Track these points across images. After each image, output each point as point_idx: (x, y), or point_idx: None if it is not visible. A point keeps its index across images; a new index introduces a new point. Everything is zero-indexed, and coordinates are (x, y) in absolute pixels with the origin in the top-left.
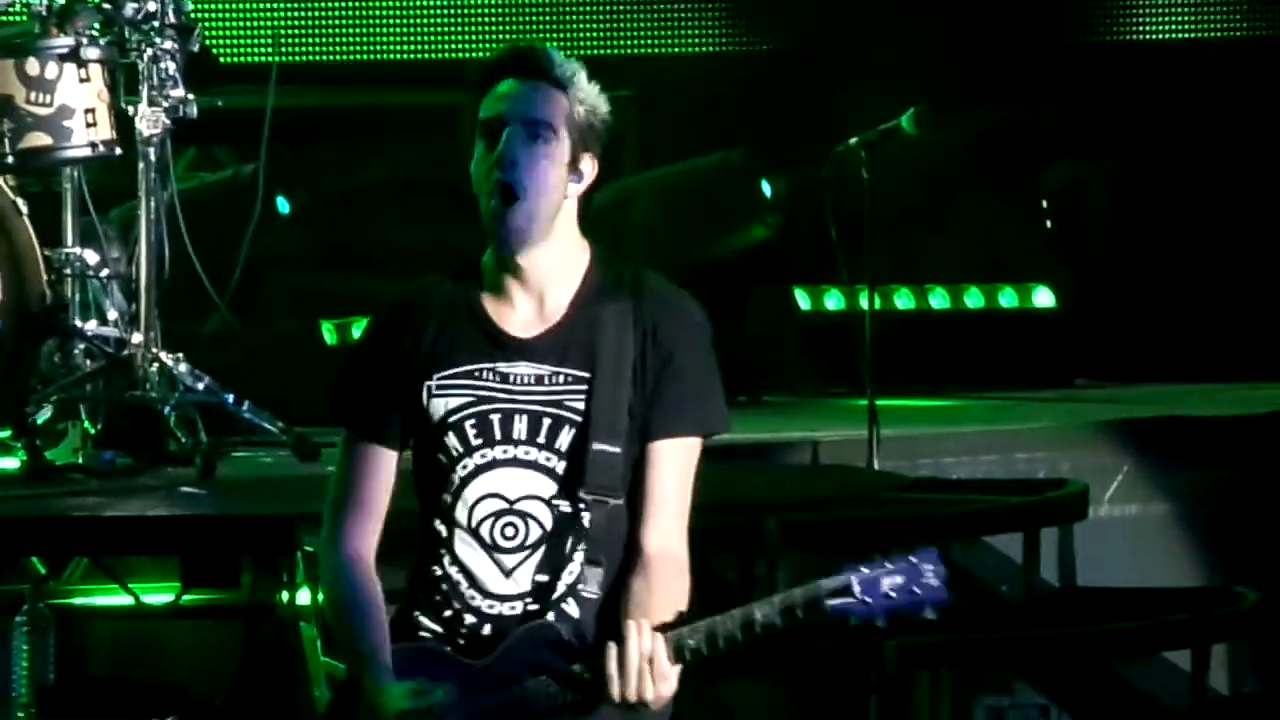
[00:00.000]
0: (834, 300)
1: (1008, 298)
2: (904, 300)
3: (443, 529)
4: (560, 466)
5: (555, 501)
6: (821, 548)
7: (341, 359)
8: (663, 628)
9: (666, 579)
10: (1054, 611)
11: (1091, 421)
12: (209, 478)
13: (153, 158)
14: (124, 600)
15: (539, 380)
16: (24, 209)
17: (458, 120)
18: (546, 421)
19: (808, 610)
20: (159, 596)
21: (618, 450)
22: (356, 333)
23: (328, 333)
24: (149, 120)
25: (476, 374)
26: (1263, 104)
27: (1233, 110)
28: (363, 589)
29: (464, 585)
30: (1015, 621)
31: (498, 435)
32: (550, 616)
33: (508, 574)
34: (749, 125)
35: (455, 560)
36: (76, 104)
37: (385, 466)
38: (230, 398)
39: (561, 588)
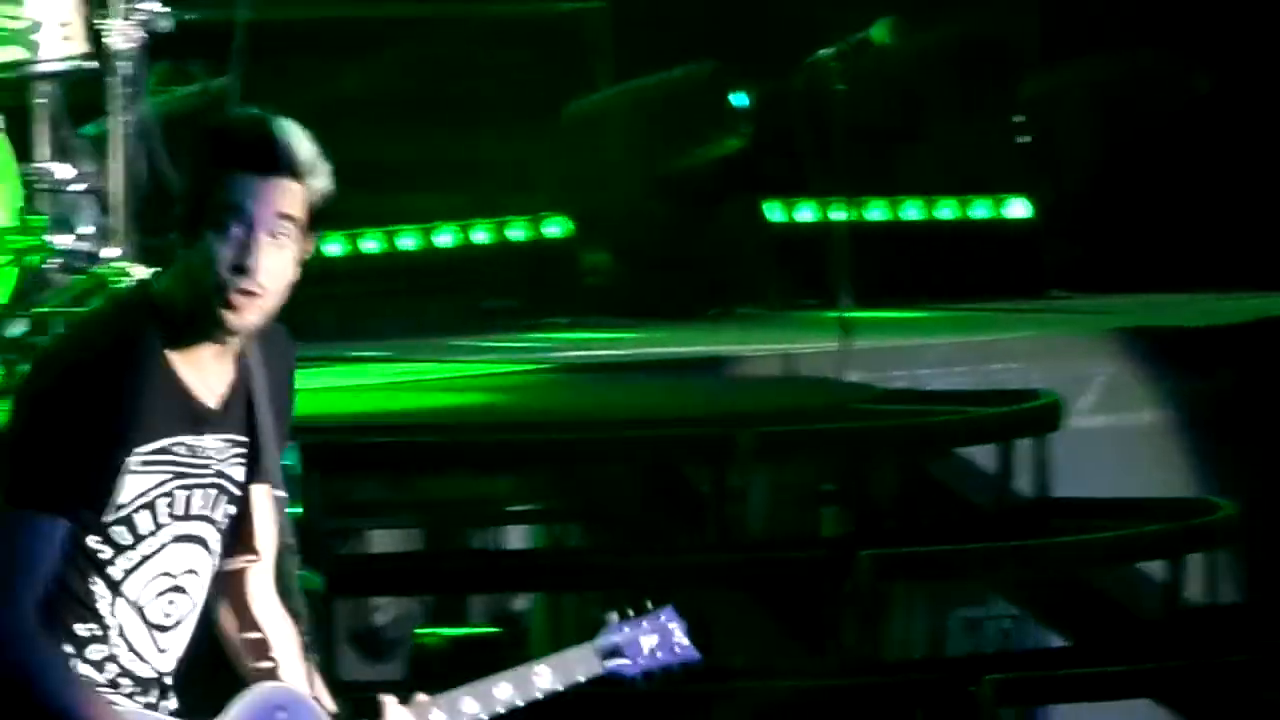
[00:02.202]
0: (807, 212)
1: (982, 209)
2: (877, 212)
3: (106, 594)
4: (216, 539)
5: (205, 575)
6: (795, 459)
7: (32, 430)
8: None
9: (294, 622)
10: (1028, 522)
11: (1066, 332)
12: None
13: (127, 72)
14: None
15: (217, 452)
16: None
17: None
18: (215, 494)
19: (587, 673)
20: None
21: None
22: (330, 248)
23: None
24: (122, 34)
25: (172, 449)
26: (1236, 9)
27: (1205, 18)
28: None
29: (121, 651)
30: (989, 533)
31: (180, 512)
32: (172, 681)
33: (161, 650)
34: (723, 35)
35: (118, 625)
36: (50, 17)
37: (64, 541)
38: None
39: (186, 656)
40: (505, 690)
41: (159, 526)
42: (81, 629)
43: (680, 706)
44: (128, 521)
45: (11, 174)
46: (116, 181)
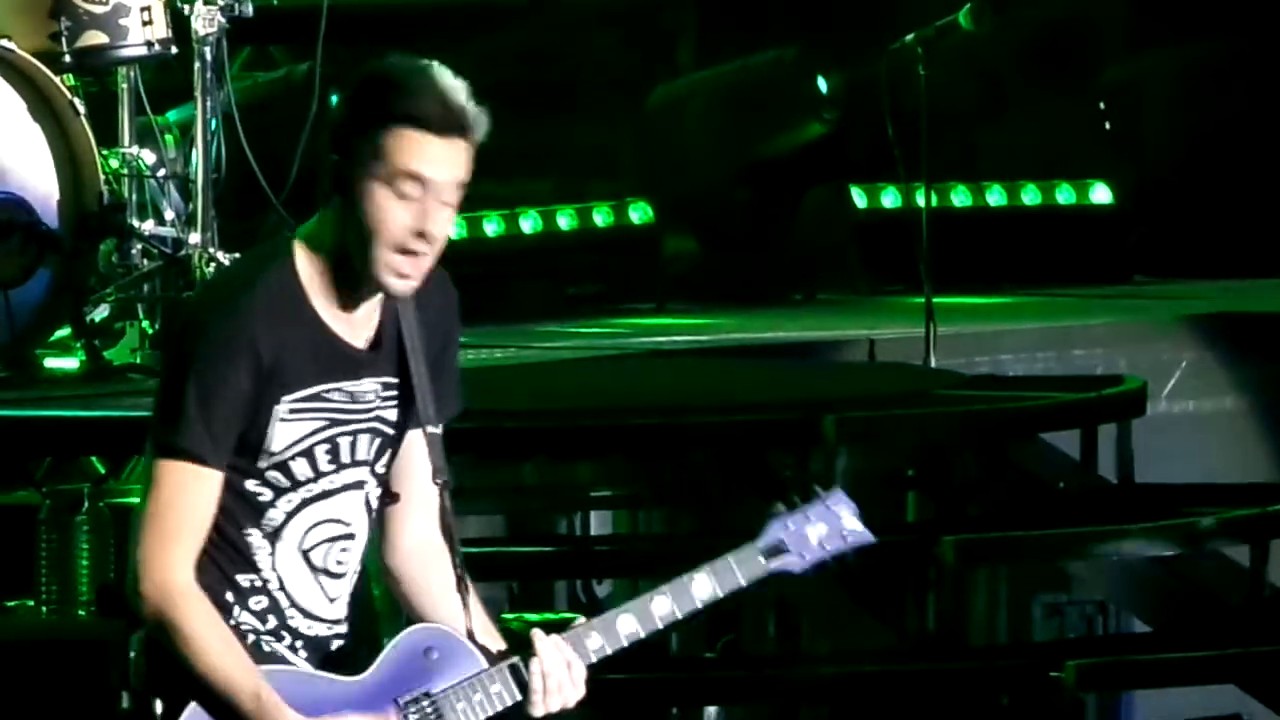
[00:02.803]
0: (891, 198)
1: (1065, 194)
2: (961, 198)
3: (264, 544)
4: (374, 484)
5: (368, 520)
6: (878, 445)
7: (180, 383)
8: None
9: (450, 568)
10: (1112, 507)
11: (1149, 318)
12: None
13: (208, 57)
14: None
15: (373, 396)
16: (81, 109)
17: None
18: (376, 440)
19: (751, 576)
20: None
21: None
22: None
23: None
24: (204, 19)
25: (325, 395)
26: None
27: None
28: (223, 621)
29: (284, 603)
30: (1073, 518)
31: (346, 459)
32: (345, 629)
33: (332, 599)
34: (808, 20)
35: (277, 577)
36: (132, 2)
37: (219, 489)
38: None
39: (350, 602)
40: (663, 605)
41: (319, 474)
42: (243, 579)
43: (764, 690)
44: (283, 468)
45: (93, 159)
46: (199, 167)
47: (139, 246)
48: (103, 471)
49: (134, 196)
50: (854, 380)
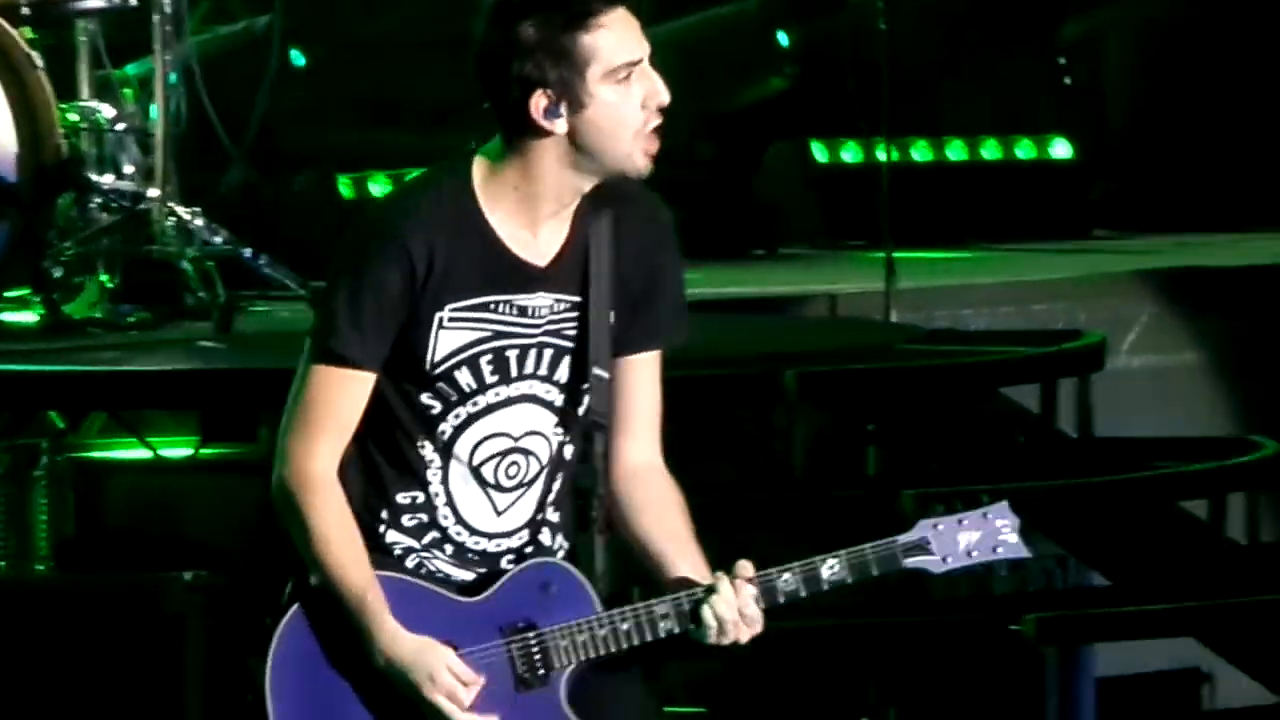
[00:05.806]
0: (851, 153)
1: (1025, 149)
2: (921, 152)
3: (435, 458)
4: (559, 398)
5: (552, 435)
6: (839, 399)
7: (334, 286)
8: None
9: (671, 489)
10: (1071, 462)
11: (1109, 272)
12: (227, 332)
13: (167, 9)
14: (143, 454)
15: (547, 310)
16: (39, 62)
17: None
18: (549, 353)
19: (885, 569)
20: (177, 451)
21: (607, 375)
22: (374, 189)
23: (344, 187)
24: None
25: (492, 306)
26: None
27: None
28: (353, 522)
29: (449, 518)
30: (1032, 473)
31: (512, 372)
32: (530, 550)
33: (500, 513)
34: None
35: (446, 492)
36: None
37: (368, 389)
38: (248, 252)
39: (539, 520)
40: (790, 582)
41: (484, 385)
42: (403, 497)
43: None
44: (448, 378)
45: (51, 113)
46: (158, 121)
47: (98, 200)
48: (61, 426)
49: (93, 150)
50: (815, 335)
